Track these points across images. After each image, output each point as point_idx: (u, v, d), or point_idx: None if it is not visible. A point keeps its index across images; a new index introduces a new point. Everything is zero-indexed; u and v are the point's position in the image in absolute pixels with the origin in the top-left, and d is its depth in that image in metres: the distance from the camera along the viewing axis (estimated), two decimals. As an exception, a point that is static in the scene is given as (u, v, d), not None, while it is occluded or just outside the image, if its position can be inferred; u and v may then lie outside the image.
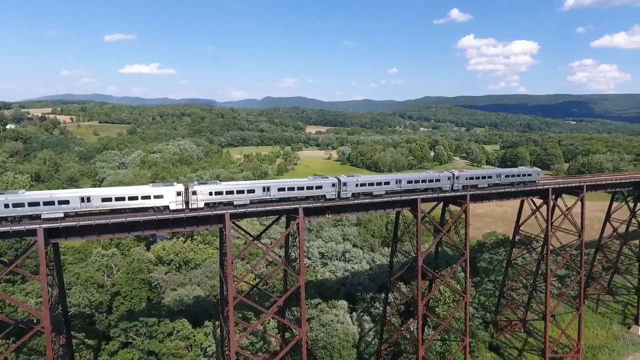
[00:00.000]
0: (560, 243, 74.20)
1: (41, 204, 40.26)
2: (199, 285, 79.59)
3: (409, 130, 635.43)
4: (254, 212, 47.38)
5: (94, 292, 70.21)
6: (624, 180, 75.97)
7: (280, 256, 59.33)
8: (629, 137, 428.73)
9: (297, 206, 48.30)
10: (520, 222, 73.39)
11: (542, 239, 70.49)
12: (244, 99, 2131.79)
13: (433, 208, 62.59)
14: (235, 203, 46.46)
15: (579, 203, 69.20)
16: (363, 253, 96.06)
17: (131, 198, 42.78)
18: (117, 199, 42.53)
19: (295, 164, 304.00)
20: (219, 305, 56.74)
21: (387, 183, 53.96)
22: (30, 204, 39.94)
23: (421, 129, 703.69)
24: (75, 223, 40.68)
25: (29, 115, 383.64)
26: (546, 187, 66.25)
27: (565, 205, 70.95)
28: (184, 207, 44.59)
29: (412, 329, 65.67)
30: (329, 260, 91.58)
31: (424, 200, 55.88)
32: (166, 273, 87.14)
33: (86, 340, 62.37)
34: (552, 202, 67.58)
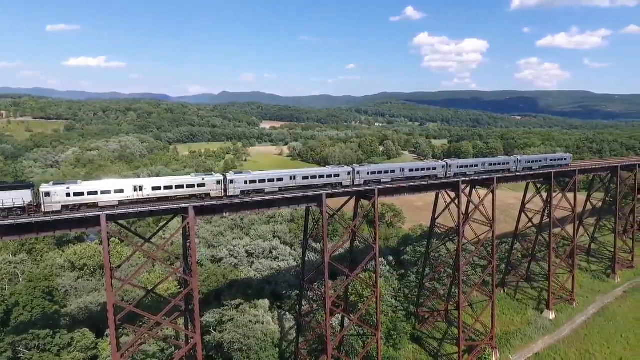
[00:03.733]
0: (475, 234, 76.30)
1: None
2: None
3: (364, 126, 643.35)
4: (135, 212, 44.05)
5: (-18, 303, 63.75)
6: (532, 172, 78.88)
7: (178, 258, 56.31)
8: (564, 130, 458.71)
9: (187, 205, 45.66)
10: (436, 215, 74.77)
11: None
12: (199, 93, 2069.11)
13: (343, 205, 61.80)
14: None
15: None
16: (292, 250, 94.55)
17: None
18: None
19: (245, 160, 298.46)
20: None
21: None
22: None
23: (376, 124, 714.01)
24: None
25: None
26: (456, 180, 67.49)
27: (479, 197, 73.01)
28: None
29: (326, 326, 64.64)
30: (255, 259, 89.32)
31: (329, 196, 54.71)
32: (77, 279, 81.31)
33: (-34, 357, 56.35)
34: (463, 195, 69.04)
